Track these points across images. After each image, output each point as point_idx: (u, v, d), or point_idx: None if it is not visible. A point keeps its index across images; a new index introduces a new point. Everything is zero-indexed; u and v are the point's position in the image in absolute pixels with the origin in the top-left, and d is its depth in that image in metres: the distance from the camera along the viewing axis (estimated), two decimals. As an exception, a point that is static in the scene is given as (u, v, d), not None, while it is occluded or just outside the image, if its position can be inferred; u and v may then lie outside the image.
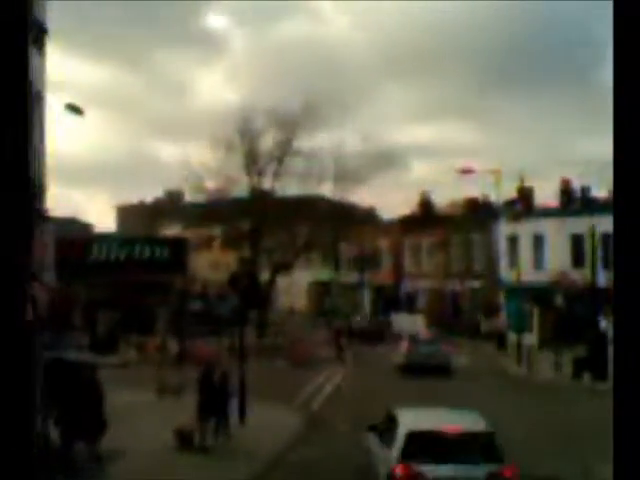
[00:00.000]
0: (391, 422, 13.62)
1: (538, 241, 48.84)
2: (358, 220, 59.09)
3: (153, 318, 39.23)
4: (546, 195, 54.70)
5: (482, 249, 53.78)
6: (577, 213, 48.15)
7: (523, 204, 51.87)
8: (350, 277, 65.37)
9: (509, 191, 52.33)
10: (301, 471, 16.81)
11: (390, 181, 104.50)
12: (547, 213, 49.97)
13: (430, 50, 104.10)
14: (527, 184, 53.20)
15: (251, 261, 41.98)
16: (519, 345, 37.39)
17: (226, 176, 40.64)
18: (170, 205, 76.64)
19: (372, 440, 14.56)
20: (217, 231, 46.49)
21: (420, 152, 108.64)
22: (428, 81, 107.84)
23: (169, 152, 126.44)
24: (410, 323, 55.84)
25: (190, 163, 40.41)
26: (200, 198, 43.83)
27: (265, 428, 20.10)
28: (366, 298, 64.63)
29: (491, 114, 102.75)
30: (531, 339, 41.67)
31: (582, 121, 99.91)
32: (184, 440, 17.63)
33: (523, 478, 12.86)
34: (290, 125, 40.12)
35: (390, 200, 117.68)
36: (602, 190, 52.40)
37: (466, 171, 43.63)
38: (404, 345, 33.85)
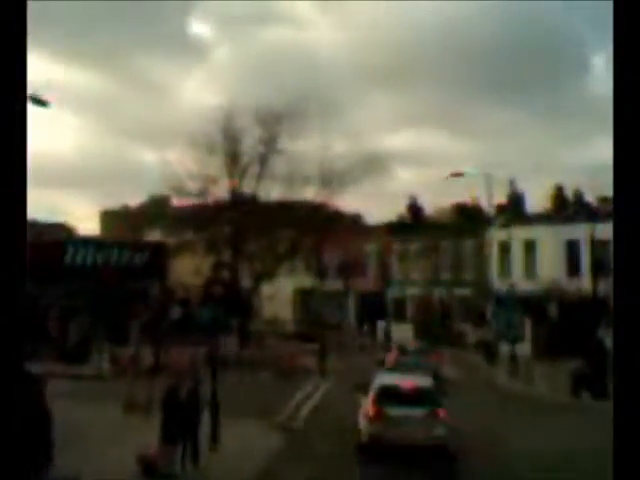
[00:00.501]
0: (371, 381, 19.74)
1: (530, 248, 47.15)
2: (343, 225, 57.38)
3: (128, 326, 37.14)
4: (531, 202, 52.61)
5: (472, 256, 52.04)
6: (571, 219, 46.54)
7: (514, 209, 50.22)
8: (335, 284, 63.41)
9: (497, 197, 50.76)
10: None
11: (375, 187, 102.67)
12: (539, 219, 48.34)
13: (415, 55, 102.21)
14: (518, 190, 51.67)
15: (232, 268, 40.02)
16: (513, 357, 35.57)
17: (207, 177, 38.68)
18: (155, 209, 74.75)
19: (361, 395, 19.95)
20: (200, 236, 44.44)
21: (404, 159, 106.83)
22: (411, 87, 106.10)
23: (153, 156, 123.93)
24: (396, 332, 54.19)
25: (170, 164, 38.46)
26: (183, 201, 41.87)
27: (240, 453, 18.07)
28: (351, 306, 62.68)
29: (474, 121, 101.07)
30: (523, 351, 39.80)
31: (566, 128, 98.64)
32: (148, 468, 15.63)
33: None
34: (273, 123, 38.20)
35: (375, 206, 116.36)
36: (590, 196, 51.05)
37: (455, 174, 41.90)
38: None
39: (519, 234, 46.73)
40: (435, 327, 53.03)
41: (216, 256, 40.38)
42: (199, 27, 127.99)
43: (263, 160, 38.70)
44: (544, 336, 44.73)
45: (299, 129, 37.99)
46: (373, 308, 58.99)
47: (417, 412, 17.90)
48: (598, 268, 43.06)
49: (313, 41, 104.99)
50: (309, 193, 40.28)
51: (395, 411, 17.86)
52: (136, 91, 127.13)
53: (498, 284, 46.08)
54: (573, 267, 44.75)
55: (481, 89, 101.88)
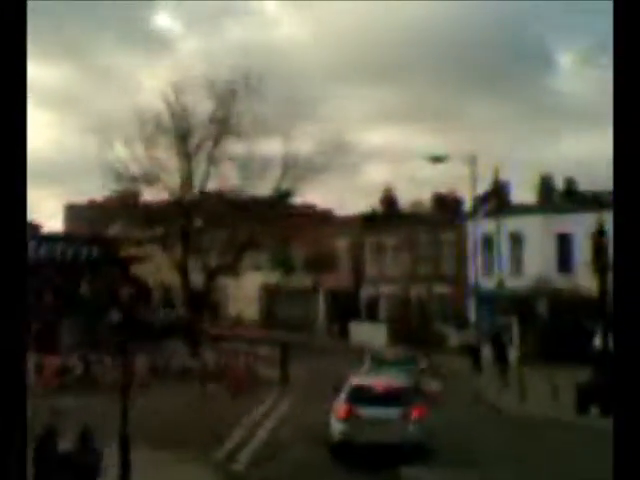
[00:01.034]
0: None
1: (516, 241, 42.74)
2: (311, 218, 52.78)
3: (58, 331, 32.28)
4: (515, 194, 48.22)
5: (452, 250, 47.59)
6: (562, 209, 42.23)
7: (498, 199, 45.75)
8: (304, 281, 58.78)
9: (480, 188, 46.13)
10: None
11: (349, 181, 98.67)
12: (527, 210, 43.98)
13: (384, 51, 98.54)
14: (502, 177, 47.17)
15: (181, 263, 35.21)
16: (502, 367, 31.04)
17: (155, 161, 33.68)
18: (121, 204, 69.99)
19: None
20: (153, 231, 39.48)
21: (379, 154, 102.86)
22: (386, 83, 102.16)
23: (118, 151, 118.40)
24: (371, 334, 49.67)
25: (112, 149, 33.46)
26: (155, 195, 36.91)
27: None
28: (321, 305, 58.04)
29: (454, 117, 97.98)
30: (510, 355, 35.15)
31: (539, 125, 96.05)
32: None
33: None
34: (227, 96, 33.25)
35: (350, 201, 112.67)
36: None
37: (436, 159, 37.41)
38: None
39: (504, 226, 42.24)
40: (412, 328, 48.53)
41: (169, 252, 35.50)
42: (165, 22, 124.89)
43: (216, 140, 33.75)
44: (533, 339, 40.35)
45: (256, 101, 33.11)
46: (345, 307, 54.43)
47: (390, 412, 17.78)
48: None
49: (283, 37, 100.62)
50: (269, 183, 35.41)
51: (367, 411, 17.77)
52: (102, 86, 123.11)
53: (481, 281, 41.59)
54: (565, 262, 40.41)
55: (455, 85, 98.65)
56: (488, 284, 41.57)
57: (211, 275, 35.78)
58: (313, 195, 65.88)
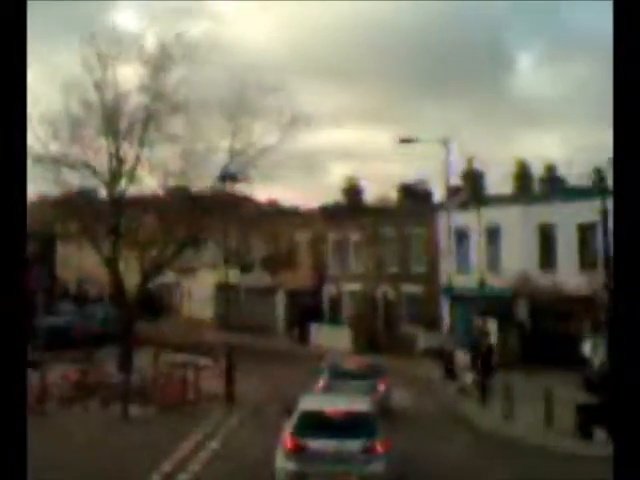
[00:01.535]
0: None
1: (492, 235, 38.70)
2: (263, 210, 48.56)
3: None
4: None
5: (422, 246, 43.43)
6: (543, 199, 38.30)
7: (473, 189, 41.83)
8: (262, 279, 54.35)
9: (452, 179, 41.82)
10: None
11: (311, 180, 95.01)
12: (504, 199, 39.99)
13: (350, 51, 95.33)
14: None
15: (111, 260, 30.52)
16: (482, 378, 26.88)
17: (81, 138, 28.85)
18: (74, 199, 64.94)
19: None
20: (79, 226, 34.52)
21: (343, 154, 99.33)
22: (347, 83, 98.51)
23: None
24: (333, 337, 45.45)
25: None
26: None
27: None
28: (280, 305, 53.62)
29: (417, 118, 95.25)
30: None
31: (501, 125, 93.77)
32: None
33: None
34: (160, 61, 28.42)
35: (313, 199, 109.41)
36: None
37: (406, 140, 33.31)
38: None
39: (479, 218, 38.23)
40: (378, 331, 44.33)
41: (96, 248, 30.78)
42: (125, 20, 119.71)
43: (148, 117, 29.00)
44: (512, 343, 36.43)
45: (196, 69, 28.42)
46: (306, 308, 50.06)
47: (349, 444, 14.37)
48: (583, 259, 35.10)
49: (241, 35, 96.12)
50: (214, 169, 30.71)
51: (320, 443, 14.35)
52: (57, 84, 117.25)
53: (455, 279, 37.50)
54: (547, 257, 36.44)
55: (426, 87, 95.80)
56: (462, 282, 37.59)
57: (146, 274, 31.15)
58: (276, 194, 61.27)
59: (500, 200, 39.59)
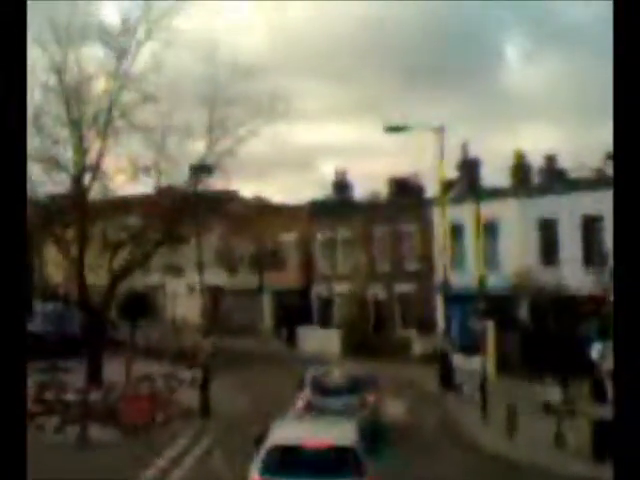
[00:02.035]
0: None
1: (490, 230, 36.20)
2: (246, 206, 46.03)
3: None
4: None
5: (415, 243, 40.99)
6: (544, 191, 35.85)
7: (468, 181, 39.38)
8: (248, 280, 51.85)
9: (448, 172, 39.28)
10: None
11: (300, 178, 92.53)
12: (502, 192, 37.55)
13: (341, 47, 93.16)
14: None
15: (77, 261, 27.95)
16: (482, 386, 24.42)
17: (39, 130, 26.20)
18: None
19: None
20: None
21: (329, 151, 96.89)
22: (336, 79, 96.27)
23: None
24: (323, 341, 43.04)
25: None
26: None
27: None
28: (267, 307, 51.14)
29: (406, 114, 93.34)
30: (484, 364, 28.30)
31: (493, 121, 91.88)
32: None
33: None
34: (125, 40, 25.69)
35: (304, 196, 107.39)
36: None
37: (394, 128, 30.86)
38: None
39: (476, 212, 35.67)
40: (370, 334, 41.89)
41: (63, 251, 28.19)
42: (111, 17, 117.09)
43: (111, 107, 26.27)
44: (512, 346, 34.02)
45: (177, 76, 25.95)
46: (294, 310, 47.62)
47: None
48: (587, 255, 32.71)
49: (234, 31, 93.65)
50: (190, 160, 28.14)
51: None
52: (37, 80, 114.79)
53: (451, 278, 35.02)
54: (549, 253, 34.03)
55: (417, 82, 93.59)
56: (458, 281, 35.14)
57: (116, 275, 28.60)
58: (263, 192, 59.04)
59: (498, 193, 37.12)
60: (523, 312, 34.54)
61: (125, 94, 26.80)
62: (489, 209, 35.50)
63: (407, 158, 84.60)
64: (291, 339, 45.41)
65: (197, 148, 28.63)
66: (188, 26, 27.33)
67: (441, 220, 35.50)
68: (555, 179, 37.20)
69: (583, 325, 31.39)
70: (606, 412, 17.78)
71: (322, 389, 20.69)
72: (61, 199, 28.82)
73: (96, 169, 26.90)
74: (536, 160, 39.94)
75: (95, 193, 27.95)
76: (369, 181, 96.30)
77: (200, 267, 35.03)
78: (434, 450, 20.05)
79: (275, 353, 43.19)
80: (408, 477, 16.34)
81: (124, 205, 29.98)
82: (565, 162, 39.69)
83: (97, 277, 30.64)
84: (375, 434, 18.86)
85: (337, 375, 21.70)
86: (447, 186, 37.21)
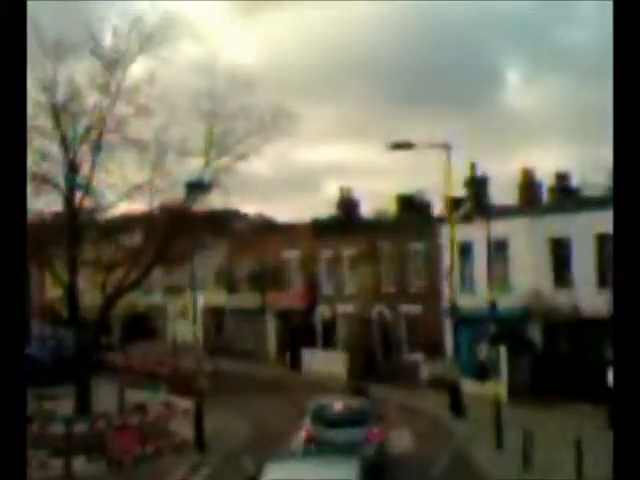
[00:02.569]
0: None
1: (500, 250, 34.80)
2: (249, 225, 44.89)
3: None
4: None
5: (422, 262, 39.62)
6: (555, 210, 34.50)
7: (475, 198, 38.03)
8: (250, 299, 50.50)
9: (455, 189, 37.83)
10: None
11: (304, 198, 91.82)
12: (511, 211, 36.22)
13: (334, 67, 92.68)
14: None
15: (69, 284, 26.64)
16: (497, 414, 22.94)
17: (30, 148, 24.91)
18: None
19: None
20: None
21: (333, 171, 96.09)
22: (337, 99, 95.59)
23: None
24: (327, 364, 41.67)
25: None
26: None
27: None
28: (270, 328, 49.74)
29: (405, 133, 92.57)
30: (496, 389, 26.78)
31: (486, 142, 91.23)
32: None
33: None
34: (114, 54, 24.48)
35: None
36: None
37: (400, 145, 29.56)
38: None
39: (485, 231, 34.33)
40: (376, 358, 40.47)
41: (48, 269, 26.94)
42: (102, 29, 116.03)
43: (103, 117, 25.05)
44: (524, 370, 32.60)
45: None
46: (297, 331, 46.23)
47: None
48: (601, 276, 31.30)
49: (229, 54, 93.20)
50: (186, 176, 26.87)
51: None
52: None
53: (459, 299, 33.61)
54: (562, 274, 32.64)
55: (409, 103, 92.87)
56: (467, 302, 33.77)
57: (110, 297, 27.29)
58: (267, 211, 57.97)
59: (507, 212, 35.77)
60: (535, 335, 33.12)
61: (117, 108, 25.56)
62: (498, 228, 34.15)
63: (411, 177, 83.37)
64: (294, 363, 43.98)
65: (194, 165, 27.35)
66: (183, 39, 26.09)
67: (449, 239, 34.12)
68: (566, 197, 35.86)
69: (598, 349, 29.95)
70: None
71: (325, 420, 19.23)
72: (52, 218, 27.57)
73: (88, 186, 25.61)
74: (541, 179, 38.78)
75: (87, 211, 26.69)
76: (373, 200, 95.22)
77: (194, 287, 33.65)
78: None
79: (278, 376, 41.76)
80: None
81: (117, 224, 28.73)
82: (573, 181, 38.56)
83: (93, 298, 29.50)
84: (380, 474, 17.53)
85: (341, 406, 20.25)
86: (455, 204, 35.91)
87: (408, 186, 46.27)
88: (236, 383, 38.02)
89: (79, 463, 19.74)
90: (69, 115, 25.33)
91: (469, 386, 31.70)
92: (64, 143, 25.51)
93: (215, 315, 53.86)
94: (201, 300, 54.43)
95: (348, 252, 44.05)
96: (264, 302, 49.07)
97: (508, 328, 32.12)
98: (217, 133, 26.80)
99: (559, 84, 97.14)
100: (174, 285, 58.17)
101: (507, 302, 32.64)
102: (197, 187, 26.25)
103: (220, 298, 53.08)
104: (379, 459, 18.27)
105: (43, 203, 27.11)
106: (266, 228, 52.55)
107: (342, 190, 47.47)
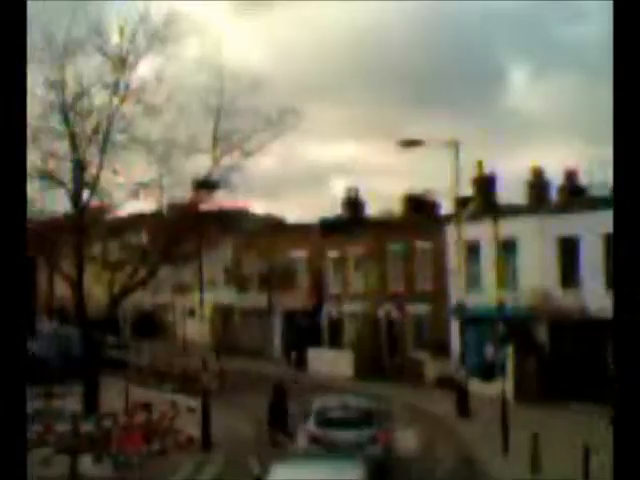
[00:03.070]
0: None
1: (508, 249, 34.73)
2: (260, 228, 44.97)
3: None
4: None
5: (429, 262, 39.55)
6: (564, 209, 34.39)
7: (484, 199, 37.92)
8: (258, 299, 50.50)
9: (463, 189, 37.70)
10: None
11: (312, 198, 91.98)
12: (519, 210, 36.11)
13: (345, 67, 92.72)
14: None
15: (75, 282, 26.68)
16: (503, 414, 22.87)
17: (36, 145, 25.02)
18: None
19: None
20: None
21: (340, 171, 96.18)
22: (344, 99, 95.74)
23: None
24: (333, 363, 41.64)
25: None
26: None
27: None
28: (277, 327, 49.73)
29: (412, 133, 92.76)
30: (504, 392, 26.66)
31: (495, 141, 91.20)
32: None
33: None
34: (122, 52, 24.52)
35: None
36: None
37: (410, 143, 29.56)
38: None
39: (493, 231, 34.23)
40: (383, 357, 40.44)
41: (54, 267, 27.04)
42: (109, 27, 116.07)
43: (112, 117, 25.16)
44: (531, 371, 32.52)
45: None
46: (304, 330, 46.22)
47: None
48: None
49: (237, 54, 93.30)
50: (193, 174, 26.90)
51: None
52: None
53: (466, 298, 33.55)
54: (570, 274, 32.53)
55: (420, 102, 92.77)
56: (474, 302, 33.70)
57: (115, 296, 27.35)
58: (275, 211, 58.07)
59: (515, 211, 35.68)
60: (542, 335, 33.02)
61: (125, 106, 25.60)
62: (506, 227, 34.08)
63: (419, 177, 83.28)
64: (301, 361, 43.97)
65: (202, 163, 27.36)
66: (190, 37, 26.13)
67: (456, 238, 34.06)
68: (575, 196, 35.74)
69: (606, 350, 29.83)
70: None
71: (329, 421, 19.16)
72: (61, 217, 27.63)
73: (95, 184, 25.65)
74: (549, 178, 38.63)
75: (95, 210, 26.76)
76: (380, 199, 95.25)
77: (202, 285, 33.65)
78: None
79: (286, 376, 41.67)
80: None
81: (124, 222, 28.78)
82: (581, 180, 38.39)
83: (101, 296, 29.55)
84: (386, 475, 17.50)
85: (345, 406, 20.18)
86: (462, 203, 35.84)
87: (416, 186, 46.17)
88: (242, 381, 38.01)
89: (85, 461, 19.76)
90: (77, 114, 25.38)
91: (476, 386, 31.65)
92: (73, 142, 25.55)
93: (223, 314, 53.83)
94: (209, 299, 54.50)
95: (355, 252, 44.02)
96: (271, 301, 49.07)
97: (515, 328, 32.06)
98: (224, 130, 26.79)
99: (567, 82, 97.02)
100: (183, 284, 58.21)
101: (514, 302, 32.58)
102: (205, 185, 26.25)
103: (228, 297, 53.09)
104: (386, 459, 18.22)
105: (51, 202, 27.30)
106: (274, 227, 52.52)
107: (348, 190, 47.46)
